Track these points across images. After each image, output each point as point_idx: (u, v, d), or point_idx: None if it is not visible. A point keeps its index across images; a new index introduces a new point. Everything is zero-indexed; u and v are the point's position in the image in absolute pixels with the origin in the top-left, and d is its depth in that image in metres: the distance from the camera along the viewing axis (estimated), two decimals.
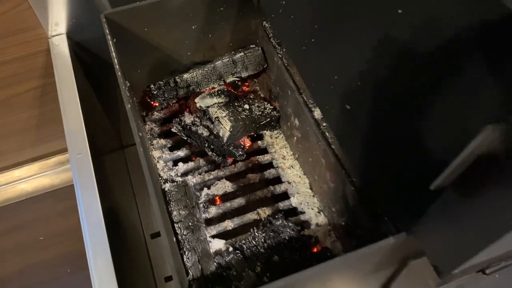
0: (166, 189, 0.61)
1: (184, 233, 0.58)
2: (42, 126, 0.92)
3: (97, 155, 0.68)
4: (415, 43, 0.37)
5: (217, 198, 0.71)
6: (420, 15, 0.36)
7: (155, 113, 0.78)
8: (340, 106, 0.49)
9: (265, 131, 0.76)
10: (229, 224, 0.67)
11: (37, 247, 0.94)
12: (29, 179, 1.00)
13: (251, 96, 0.76)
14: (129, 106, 0.51)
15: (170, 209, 0.60)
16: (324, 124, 0.59)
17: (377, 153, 0.44)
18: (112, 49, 0.57)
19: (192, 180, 0.70)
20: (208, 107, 0.68)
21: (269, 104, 0.74)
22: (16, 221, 0.97)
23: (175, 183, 0.62)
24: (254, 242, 0.62)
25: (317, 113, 0.60)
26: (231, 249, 0.61)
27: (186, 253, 0.57)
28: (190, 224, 0.59)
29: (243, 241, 0.61)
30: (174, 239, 0.56)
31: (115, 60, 0.56)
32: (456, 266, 0.38)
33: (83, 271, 0.56)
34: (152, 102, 0.73)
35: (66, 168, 1.01)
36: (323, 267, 0.41)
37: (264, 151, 0.76)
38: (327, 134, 0.59)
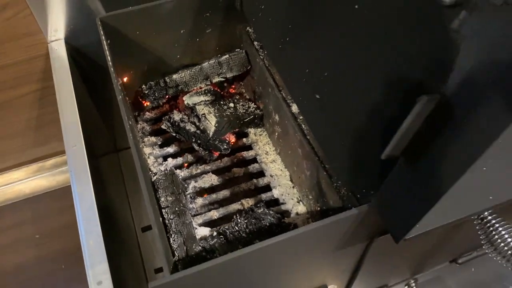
0: (154, 178, 0.66)
1: (171, 218, 0.62)
2: (40, 128, 0.97)
3: (92, 155, 0.73)
4: (366, 32, 0.43)
5: (203, 190, 0.75)
6: (371, 9, 0.42)
7: (146, 113, 0.83)
8: (311, 96, 0.55)
9: (249, 129, 0.81)
10: (214, 214, 0.71)
11: (33, 244, 0.97)
12: (27, 180, 1.04)
13: (237, 97, 0.81)
14: (120, 97, 0.56)
15: (158, 196, 0.64)
16: (301, 117, 0.65)
17: (340, 134, 0.49)
18: (106, 48, 0.63)
19: (180, 174, 0.75)
20: (195, 104, 0.74)
21: (253, 104, 0.80)
22: (14, 220, 1.01)
23: (163, 172, 0.67)
24: (236, 228, 0.66)
25: (294, 108, 0.65)
26: (215, 234, 0.65)
27: (173, 236, 0.61)
28: (176, 209, 0.63)
29: (226, 227, 0.66)
30: (161, 221, 0.61)
31: (108, 58, 0.61)
32: (408, 230, 0.43)
33: (76, 267, 0.60)
34: (144, 102, 0.78)
35: (62, 170, 1.05)
36: (290, 235, 0.46)
37: (249, 148, 0.81)
38: (303, 126, 0.64)
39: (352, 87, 0.46)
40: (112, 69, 0.60)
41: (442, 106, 0.36)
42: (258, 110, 0.78)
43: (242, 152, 0.79)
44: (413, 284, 0.81)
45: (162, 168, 0.75)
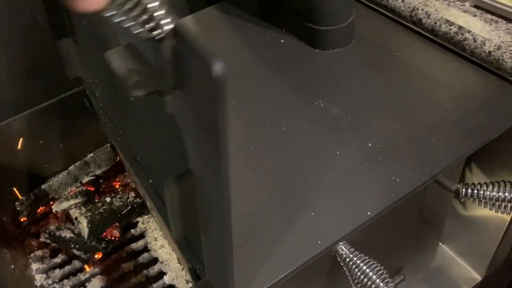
0: None
1: None
2: None
3: None
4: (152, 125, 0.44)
5: None
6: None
7: (32, 227, 0.81)
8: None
9: (138, 219, 0.80)
10: None
11: None
12: None
13: (117, 190, 0.81)
14: None
15: None
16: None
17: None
18: None
19: (68, 283, 0.72)
20: (66, 209, 0.73)
21: (133, 193, 0.79)
22: None
23: None
24: None
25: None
26: None
27: None
28: None
29: None
30: None
31: None
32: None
33: None
34: (20, 218, 0.77)
35: None
36: None
37: (141, 236, 0.79)
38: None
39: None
40: None
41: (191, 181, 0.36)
42: (137, 199, 0.77)
43: (131, 245, 0.77)
44: None
45: (50, 281, 0.73)
